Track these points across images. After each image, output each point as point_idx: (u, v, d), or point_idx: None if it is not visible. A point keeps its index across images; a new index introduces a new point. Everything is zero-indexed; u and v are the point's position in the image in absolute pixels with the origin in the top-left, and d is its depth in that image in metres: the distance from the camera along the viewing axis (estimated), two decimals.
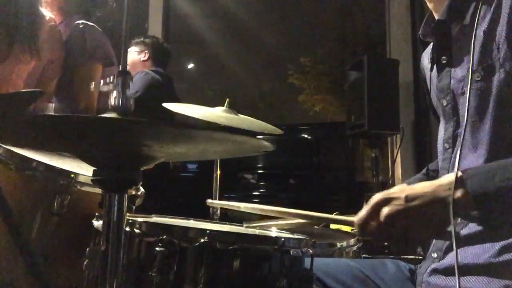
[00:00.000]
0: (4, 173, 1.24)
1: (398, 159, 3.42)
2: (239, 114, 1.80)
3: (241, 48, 9.20)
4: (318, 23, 9.19)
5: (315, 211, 1.22)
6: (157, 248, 0.96)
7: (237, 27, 8.74)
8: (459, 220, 1.06)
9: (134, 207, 1.45)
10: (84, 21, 2.29)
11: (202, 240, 0.96)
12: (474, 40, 1.04)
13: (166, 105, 1.83)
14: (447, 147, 1.14)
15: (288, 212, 1.23)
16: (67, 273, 1.28)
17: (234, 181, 4.50)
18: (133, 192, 1.43)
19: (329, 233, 1.80)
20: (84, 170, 1.30)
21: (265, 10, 8.90)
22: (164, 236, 0.97)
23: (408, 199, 0.94)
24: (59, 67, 2.21)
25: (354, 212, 1.06)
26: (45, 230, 1.28)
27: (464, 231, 1.04)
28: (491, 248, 0.99)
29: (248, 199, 4.49)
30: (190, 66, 9.98)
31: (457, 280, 0.89)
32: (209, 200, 1.71)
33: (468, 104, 1.00)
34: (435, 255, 1.10)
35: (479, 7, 1.05)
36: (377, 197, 0.98)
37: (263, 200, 4.48)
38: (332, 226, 2.18)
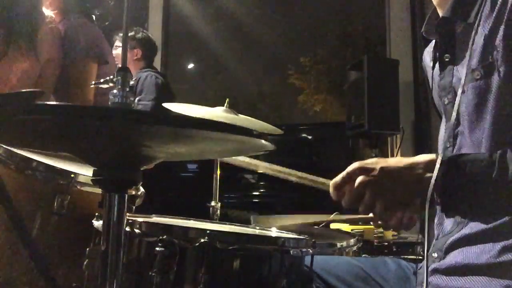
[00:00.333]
0: (4, 173, 1.24)
1: None
2: (239, 114, 1.80)
3: (241, 48, 9.19)
4: (318, 23, 9.18)
5: (315, 211, 1.24)
6: (157, 248, 0.96)
7: (237, 27, 8.74)
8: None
9: (134, 207, 1.45)
10: (79, 19, 2.29)
11: (202, 240, 0.96)
12: (474, 38, 1.04)
13: (166, 105, 1.83)
14: (448, 145, 1.13)
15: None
16: (67, 273, 1.28)
17: (234, 181, 4.49)
18: (133, 192, 1.43)
19: (329, 233, 1.80)
20: (84, 170, 1.30)
21: (265, 10, 8.90)
22: (164, 236, 0.97)
23: (381, 171, 1.00)
24: (57, 66, 2.21)
25: (354, 212, 1.08)
26: (45, 230, 1.28)
27: (464, 231, 1.04)
28: (491, 248, 0.99)
29: (248, 199, 4.49)
30: (190, 66, 9.98)
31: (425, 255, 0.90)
32: None
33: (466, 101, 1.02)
34: (435, 255, 1.10)
35: (484, 5, 1.05)
36: (353, 165, 1.03)
37: (263, 200, 4.48)
38: (332, 226, 2.18)
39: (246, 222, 1.52)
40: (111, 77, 0.83)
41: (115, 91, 0.80)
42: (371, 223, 1.23)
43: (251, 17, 8.71)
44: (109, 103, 0.80)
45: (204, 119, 0.70)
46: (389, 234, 2.41)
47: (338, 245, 1.52)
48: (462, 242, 1.04)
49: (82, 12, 2.37)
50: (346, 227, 2.16)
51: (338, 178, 1.04)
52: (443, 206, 1.01)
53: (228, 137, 0.74)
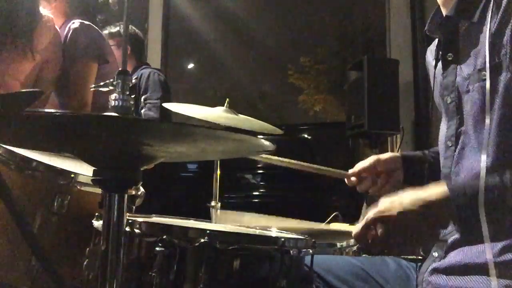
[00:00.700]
0: (4, 173, 1.24)
1: None
2: (239, 114, 1.79)
3: (241, 48, 9.19)
4: (318, 23, 9.17)
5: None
6: (157, 248, 0.96)
7: (237, 27, 8.73)
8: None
9: (134, 207, 1.45)
10: (80, 20, 2.31)
11: (202, 240, 0.96)
12: (480, 37, 1.04)
13: (166, 105, 1.83)
14: (450, 145, 1.13)
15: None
16: (67, 273, 1.28)
17: (234, 181, 4.49)
18: (133, 192, 1.43)
19: (329, 233, 1.80)
20: (84, 170, 1.30)
21: (265, 10, 8.89)
22: (164, 236, 0.97)
23: (399, 218, 1.00)
24: (56, 68, 2.22)
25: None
26: (45, 230, 1.28)
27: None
28: (492, 248, 0.98)
29: (248, 199, 4.48)
30: (190, 66, 9.98)
31: None
32: None
33: (478, 102, 1.02)
34: (436, 254, 1.10)
35: (490, 5, 1.05)
36: (370, 215, 1.04)
37: (263, 200, 4.48)
38: (332, 226, 2.18)
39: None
40: (111, 80, 0.83)
41: (115, 94, 0.80)
42: None
43: (251, 17, 8.71)
44: (109, 106, 0.80)
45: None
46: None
47: (338, 245, 1.52)
48: (462, 242, 1.04)
49: (85, 15, 2.40)
50: (346, 227, 2.16)
51: (359, 230, 1.06)
52: (462, 232, 1.03)
53: (228, 137, 0.74)
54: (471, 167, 1.04)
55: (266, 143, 0.79)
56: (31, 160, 1.27)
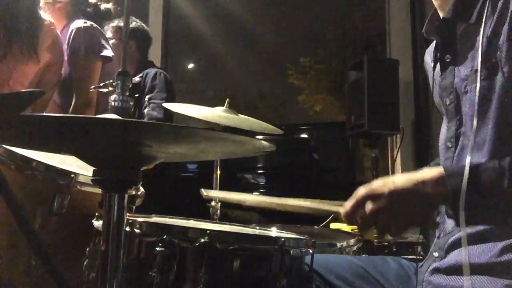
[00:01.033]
0: (4, 173, 1.24)
1: (398, 159, 3.41)
2: (239, 114, 1.80)
3: (241, 48, 9.19)
4: (318, 23, 9.17)
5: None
6: (157, 248, 0.96)
7: (237, 27, 8.73)
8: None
9: (134, 207, 1.45)
10: (83, 20, 2.34)
11: (202, 240, 0.96)
12: (476, 38, 1.04)
13: (166, 105, 1.83)
14: (450, 146, 1.13)
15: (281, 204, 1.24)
16: (67, 273, 1.28)
17: (234, 181, 4.49)
18: (133, 192, 1.43)
19: (329, 233, 1.80)
20: (84, 170, 1.30)
21: (265, 10, 8.89)
22: (164, 236, 0.97)
23: (390, 195, 0.99)
24: (58, 71, 2.24)
25: None
26: (45, 230, 1.28)
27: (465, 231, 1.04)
28: (492, 248, 0.99)
29: None
30: (190, 66, 9.98)
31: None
32: (204, 191, 1.51)
33: (476, 102, 1.02)
34: (436, 254, 1.10)
35: (486, 6, 1.05)
36: (361, 191, 1.03)
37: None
38: (332, 226, 2.18)
39: (246, 222, 1.52)
40: (111, 81, 0.83)
41: (114, 95, 0.80)
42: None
43: (251, 17, 8.70)
44: (109, 107, 0.80)
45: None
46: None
47: (338, 245, 1.52)
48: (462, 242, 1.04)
49: (87, 16, 2.43)
50: (346, 227, 2.16)
51: (348, 207, 1.04)
52: (457, 218, 1.00)
53: (228, 137, 0.74)
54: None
55: (266, 143, 0.79)
56: (31, 160, 1.27)
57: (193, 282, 0.97)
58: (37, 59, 2.08)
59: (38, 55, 2.07)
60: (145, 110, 3.04)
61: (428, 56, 1.32)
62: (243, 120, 1.78)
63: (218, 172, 1.96)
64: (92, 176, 0.81)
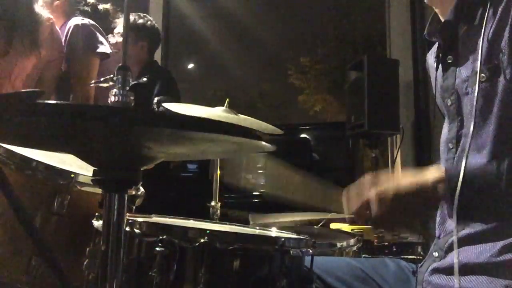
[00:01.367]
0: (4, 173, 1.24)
1: (398, 159, 3.41)
2: (239, 114, 1.79)
3: (241, 48, 9.19)
4: (318, 23, 9.18)
5: (314, 211, 1.24)
6: (157, 248, 0.96)
7: (237, 27, 8.73)
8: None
9: (134, 207, 1.44)
10: (81, 17, 2.34)
11: (202, 240, 0.96)
12: (478, 40, 1.04)
13: (166, 105, 1.83)
14: (451, 147, 1.14)
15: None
16: (67, 273, 1.28)
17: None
18: (133, 192, 1.43)
19: (329, 233, 1.80)
20: (84, 170, 1.30)
21: (265, 10, 8.89)
22: (164, 236, 0.97)
23: (396, 197, 1.03)
24: (57, 68, 2.24)
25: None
26: (45, 230, 1.28)
27: (465, 231, 1.04)
28: (492, 248, 0.99)
29: (248, 199, 4.48)
30: (190, 66, 9.98)
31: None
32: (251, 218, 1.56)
33: (475, 104, 1.03)
34: (436, 254, 1.10)
35: (487, 9, 1.05)
36: (368, 195, 1.06)
37: (263, 200, 4.47)
38: (332, 226, 2.18)
39: (246, 222, 1.52)
40: (111, 76, 0.83)
41: (115, 90, 0.80)
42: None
43: (251, 17, 8.71)
44: (109, 102, 0.80)
45: (204, 119, 0.70)
46: (389, 234, 2.41)
47: (338, 245, 1.52)
48: (462, 242, 1.04)
49: (85, 14, 2.43)
50: (346, 227, 2.16)
51: (356, 207, 1.09)
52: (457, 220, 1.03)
53: (228, 137, 0.74)
54: (470, 168, 1.05)
55: (265, 143, 0.79)
56: (31, 160, 1.27)
57: (193, 282, 0.97)
58: (38, 54, 2.09)
59: (39, 49, 2.08)
60: None
61: (431, 57, 1.33)
62: (243, 120, 1.77)
63: (218, 172, 1.96)
64: (92, 176, 0.81)
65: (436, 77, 1.24)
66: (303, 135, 4.88)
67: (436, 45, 1.26)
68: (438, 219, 1.16)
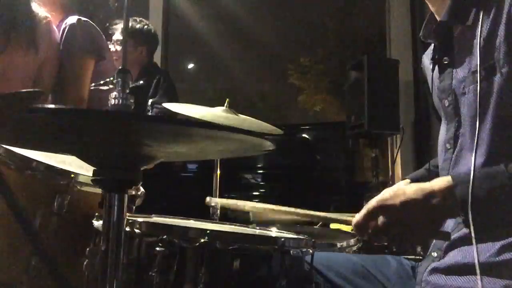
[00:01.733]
0: (4, 173, 1.24)
1: (398, 159, 3.41)
2: (239, 114, 1.80)
3: (241, 48, 9.18)
4: (318, 23, 9.17)
5: (314, 211, 1.23)
6: (157, 248, 0.96)
7: (237, 27, 8.72)
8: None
9: (134, 207, 1.45)
10: (78, 16, 2.31)
11: (202, 240, 0.96)
12: (473, 40, 1.04)
13: (166, 105, 1.83)
14: (448, 147, 1.14)
15: (289, 212, 1.25)
16: (67, 273, 1.28)
17: (234, 181, 4.49)
18: (133, 192, 1.43)
19: (329, 233, 1.80)
20: (84, 170, 1.30)
21: (265, 10, 8.88)
22: (164, 236, 0.97)
23: (401, 207, 0.99)
24: (54, 67, 2.22)
25: (354, 212, 1.08)
26: (45, 230, 1.28)
27: (465, 230, 1.04)
28: (491, 248, 0.99)
29: (248, 199, 4.49)
30: (190, 66, 9.97)
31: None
32: (209, 198, 1.56)
33: (473, 103, 1.02)
34: (435, 254, 1.10)
35: (481, 9, 1.05)
36: (372, 203, 1.03)
37: (263, 200, 4.48)
38: (332, 226, 2.18)
39: (246, 222, 1.52)
40: (111, 78, 0.82)
41: (115, 93, 0.80)
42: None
43: (251, 17, 8.70)
44: (109, 104, 0.80)
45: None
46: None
47: (338, 245, 1.52)
48: (462, 242, 1.04)
49: (83, 12, 2.40)
50: (346, 227, 2.16)
51: (360, 218, 1.05)
52: (466, 224, 0.99)
53: (228, 137, 0.74)
54: (468, 169, 1.05)
55: (266, 142, 0.79)
56: (31, 160, 1.27)
57: (193, 282, 0.97)
58: (36, 52, 2.07)
59: (37, 47, 2.07)
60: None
61: (426, 58, 1.33)
62: (243, 120, 1.78)
63: (218, 172, 1.96)
64: (92, 176, 0.81)
65: (432, 78, 1.24)
66: (303, 135, 4.88)
67: (432, 46, 1.26)
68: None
